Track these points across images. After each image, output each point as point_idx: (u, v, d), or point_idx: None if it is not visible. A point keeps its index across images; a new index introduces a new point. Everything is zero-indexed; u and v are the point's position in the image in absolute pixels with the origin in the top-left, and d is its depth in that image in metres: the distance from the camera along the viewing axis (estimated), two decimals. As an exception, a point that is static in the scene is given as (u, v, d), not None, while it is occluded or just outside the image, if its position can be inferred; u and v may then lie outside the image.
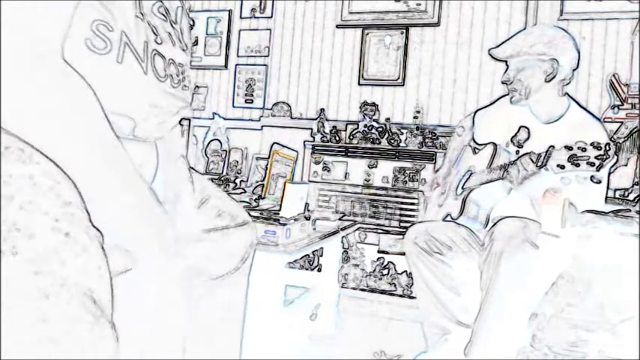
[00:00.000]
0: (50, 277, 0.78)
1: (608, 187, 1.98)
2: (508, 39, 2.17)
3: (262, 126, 3.67)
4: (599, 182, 1.90)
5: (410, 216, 3.17)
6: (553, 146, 1.87)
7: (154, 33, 1.13)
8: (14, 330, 0.75)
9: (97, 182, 0.94)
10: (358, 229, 3.08)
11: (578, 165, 1.79)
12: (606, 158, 1.77)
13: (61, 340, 0.77)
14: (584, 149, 1.78)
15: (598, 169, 1.78)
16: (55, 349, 0.76)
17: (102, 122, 0.97)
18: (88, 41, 1.00)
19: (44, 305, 0.76)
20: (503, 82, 2.14)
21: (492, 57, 2.23)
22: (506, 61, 2.14)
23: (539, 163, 1.85)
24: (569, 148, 1.80)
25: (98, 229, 0.87)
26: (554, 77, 2.03)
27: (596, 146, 1.77)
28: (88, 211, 0.87)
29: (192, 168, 1.36)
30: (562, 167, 1.81)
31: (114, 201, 0.98)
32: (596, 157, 1.76)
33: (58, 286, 0.78)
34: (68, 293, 0.78)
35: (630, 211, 2.03)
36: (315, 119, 3.50)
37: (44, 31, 0.92)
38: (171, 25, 1.21)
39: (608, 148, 1.76)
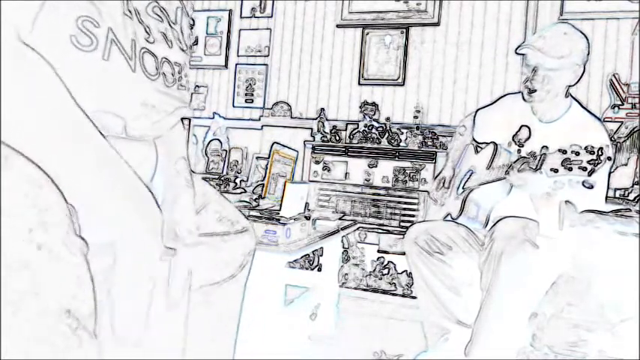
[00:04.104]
0: (21, 289, 0.76)
1: (608, 188, 1.98)
2: (541, 35, 2.05)
3: (262, 126, 3.67)
4: (591, 187, 1.89)
5: (410, 215, 3.17)
6: (547, 147, 1.87)
7: (147, 32, 1.12)
8: None
9: (76, 173, 0.92)
10: (358, 228, 3.08)
11: (570, 169, 1.78)
12: (599, 163, 1.76)
13: (35, 353, 0.75)
14: (577, 153, 1.77)
15: (590, 173, 1.77)
16: None
17: (72, 107, 0.94)
18: (73, 38, 0.98)
19: (14, 319, 0.75)
20: (526, 80, 2.03)
21: (518, 53, 2.10)
22: (523, 56, 2.07)
23: (535, 167, 1.85)
24: (563, 151, 1.79)
25: (82, 238, 0.85)
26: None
27: (589, 151, 1.76)
28: (71, 218, 0.85)
29: (193, 171, 1.34)
30: (555, 171, 1.81)
31: (96, 192, 0.96)
32: (588, 162, 1.76)
33: (30, 298, 0.76)
34: (40, 306, 0.77)
35: (630, 210, 2.03)
36: (315, 119, 3.50)
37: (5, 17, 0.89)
38: (170, 26, 1.20)
39: (600, 153, 1.75)
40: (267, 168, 2.35)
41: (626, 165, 2.72)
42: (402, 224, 3.14)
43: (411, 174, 3.20)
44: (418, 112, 3.32)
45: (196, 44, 3.84)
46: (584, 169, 1.76)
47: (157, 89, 1.13)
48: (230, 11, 3.81)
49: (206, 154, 3.70)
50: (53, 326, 0.77)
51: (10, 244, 0.77)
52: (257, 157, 3.53)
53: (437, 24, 3.28)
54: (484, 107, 2.29)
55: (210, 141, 3.70)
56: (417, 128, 3.27)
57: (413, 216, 3.16)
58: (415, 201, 3.18)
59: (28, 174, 0.82)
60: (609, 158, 1.86)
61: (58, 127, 0.93)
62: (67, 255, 0.81)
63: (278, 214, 2.12)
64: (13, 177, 0.80)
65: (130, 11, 1.08)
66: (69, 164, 0.91)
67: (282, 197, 2.17)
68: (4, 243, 0.77)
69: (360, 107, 3.40)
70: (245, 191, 2.85)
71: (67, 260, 0.81)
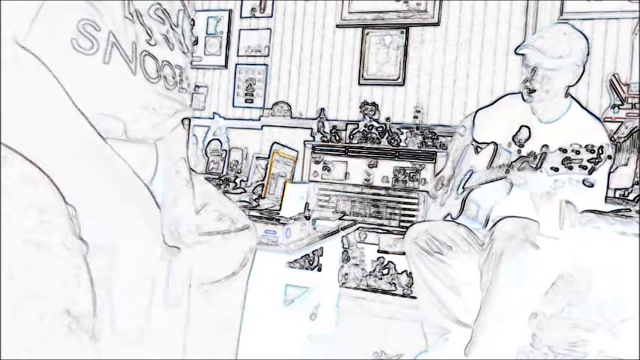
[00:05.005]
0: (20, 291, 0.76)
1: (608, 187, 1.98)
2: (540, 35, 2.05)
3: (262, 126, 3.67)
4: (592, 185, 1.89)
5: (410, 215, 3.17)
6: (547, 145, 1.87)
7: (149, 35, 1.12)
8: None
9: (75, 175, 0.92)
10: (358, 228, 3.08)
11: (571, 168, 1.78)
12: (599, 162, 1.76)
13: (34, 354, 0.75)
14: (577, 152, 1.77)
15: (590, 172, 1.77)
16: None
17: (69, 109, 0.94)
18: (74, 41, 0.98)
19: (15, 320, 0.75)
20: (526, 80, 2.03)
21: (518, 53, 2.10)
22: (523, 56, 2.07)
23: (535, 166, 1.85)
24: (563, 150, 1.80)
25: (82, 239, 0.85)
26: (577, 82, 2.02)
27: (589, 149, 1.76)
28: (72, 218, 0.85)
29: (194, 170, 1.35)
30: (556, 170, 1.81)
31: (96, 193, 0.96)
32: (589, 160, 1.76)
33: (29, 299, 0.77)
34: (39, 307, 0.77)
35: (630, 210, 2.03)
36: (315, 119, 3.50)
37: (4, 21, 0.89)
38: (172, 28, 1.20)
39: (601, 152, 1.75)
40: (267, 168, 2.35)
41: (626, 165, 2.72)
42: (402, 224, 3.14)
43: (411, 174, 3.20)
44: (418, 112, 3.32)
45: (196, 44, 3.84)
46: (585, 167, 1.76)
47: (158, 92, 1.13)
48: (230, 11, 3.81)
49: (206, 154, 3.70)
50: (52, 327, 0.77)
51: (10, 244, 0.77)
52: (257, 157, 3.53)
53: (437, 24, 3.28)
54: (484, 107, 2.29)
55: (210, 141, 3.71)
56: (417, 128, 3.27)
57: (413, 216, 3.16)
58: (415, 201, 3.18)
59: (26, 174, 0.82)
60: (609, 157, 1.86)
61: (56, 128, 0.93)
62: (67, 256, 0.82)
63: (278, 214, 2.13)
64: (12, 177, 0.80)
65: (131, 14, 1.08)
66: (67, 165, 0.91)
67: (282, 197, 2.17)
68: (3, 244, 0.77)
69: (360, 107, 3.40)
70: (245, 191, 2.86)
71: (67, 261, 0.81)
